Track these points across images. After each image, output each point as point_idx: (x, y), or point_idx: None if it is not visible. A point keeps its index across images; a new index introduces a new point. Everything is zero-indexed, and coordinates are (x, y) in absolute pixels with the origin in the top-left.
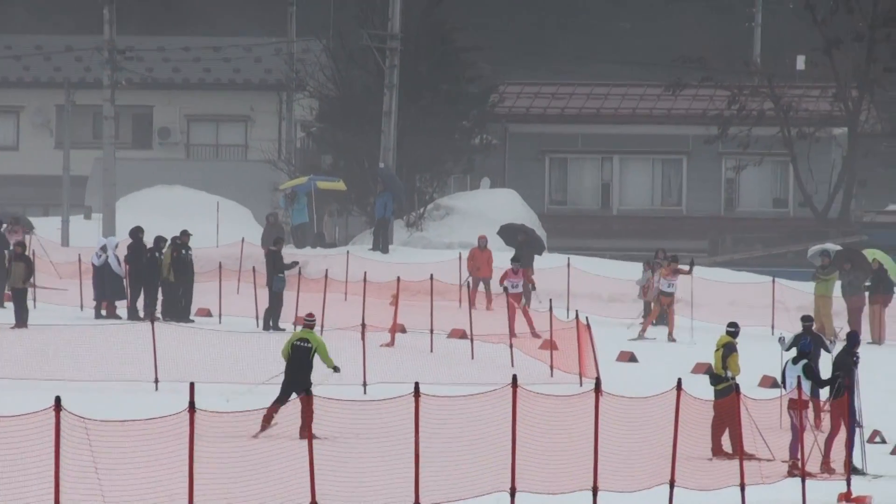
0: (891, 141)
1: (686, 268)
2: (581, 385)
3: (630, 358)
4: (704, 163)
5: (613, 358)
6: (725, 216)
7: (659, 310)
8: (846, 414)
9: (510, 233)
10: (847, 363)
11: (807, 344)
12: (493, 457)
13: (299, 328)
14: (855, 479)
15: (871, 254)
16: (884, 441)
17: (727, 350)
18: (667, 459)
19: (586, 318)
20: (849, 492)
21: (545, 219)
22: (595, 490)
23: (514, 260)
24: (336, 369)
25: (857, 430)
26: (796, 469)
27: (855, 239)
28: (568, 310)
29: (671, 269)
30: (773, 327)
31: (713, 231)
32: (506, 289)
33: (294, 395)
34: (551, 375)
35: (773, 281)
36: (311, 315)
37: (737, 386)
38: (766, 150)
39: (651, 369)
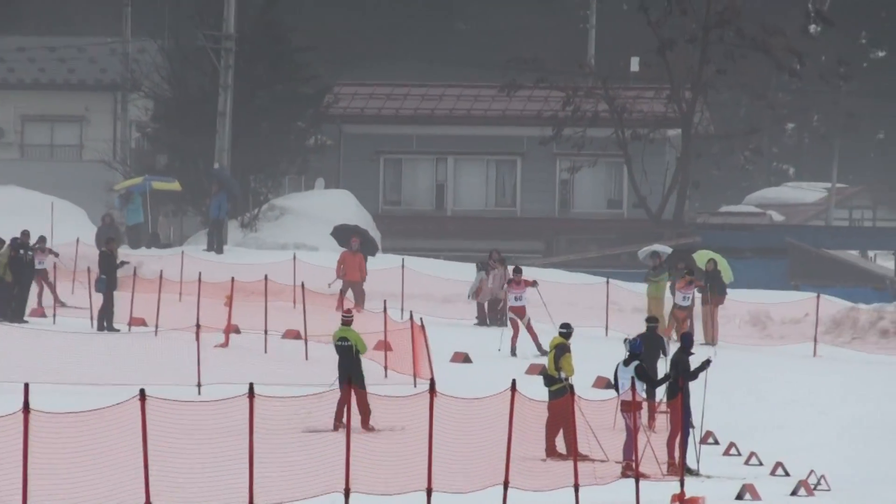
0: (724, 143)
1: (701, 282)
2: (415, 386)
3: (464, 359)
4: (539, 164)
5: (447, 359)
6: (560, 217)
7: (674, 324)
8: (680, 414)
9: (344, 233)
10: (684, 364)
11: (637, 345)
12: (328, 457)
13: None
14: (688, 479)
15: (705, 255)
16: (717, 442)
17: (560, 351)
18: (501, 460)
19: (420, 318)
20: (682, 492)
21: (379, 219)
22: (429, 491)
23: (516, 271)
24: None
25: (691, 430)
26: (630, 470)
27: (689, 240)
28: (402, 310)
29: (685, 282)
30: (607, 328)
31: (547, 232)
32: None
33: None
34: (385, 376)
35: (608, 282)
36: (348, 311)
37: (571, 387)
38: (600, 151)
39: (485, 370)
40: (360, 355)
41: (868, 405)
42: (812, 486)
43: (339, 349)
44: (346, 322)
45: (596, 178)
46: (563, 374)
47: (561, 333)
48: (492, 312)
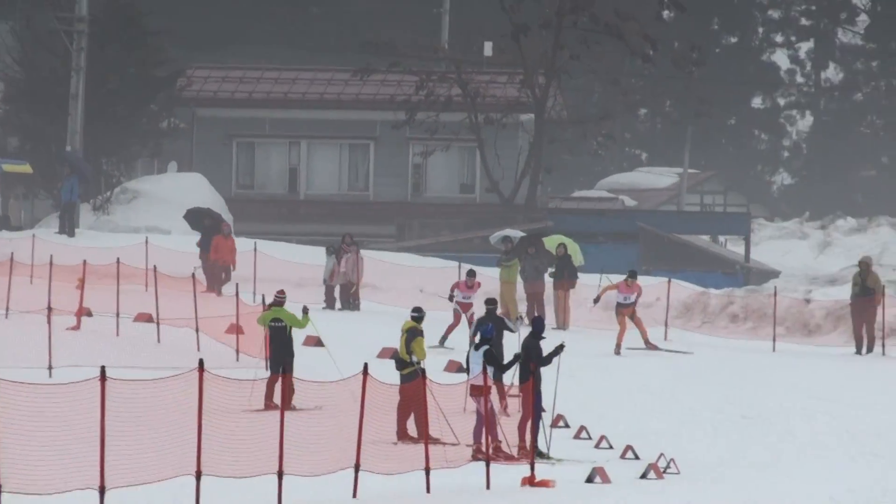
0: (577, 128)
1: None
2: (267, 370)
3: (316, 342)
4: (392, 148)
5: (300, 342)
6: (413, 201)
7: (625, 323)
8: (531, 398)
9: (196, 217)
10: (535, 349)
11: (488, 330)
12: (179, 441)
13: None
14: (539, 462)
15: (556, 239)
16: (567, 425)
17: (411, 335)
18: (352, 443)
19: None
20: (532, 476)
21: (232, 203)
22: (280, 473)
23: (469, 275)
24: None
25: (542, 414)
26: (480, 453)
27: (541, 225)
28: (254, 294)
29: (626, 284)
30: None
31: (400, 216)
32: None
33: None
34: (237, 360)
35: (459, 266)
36: (281, 292)
37: (422, 370)
38: (453, 135)
39: (337, 353)
40: (293, 332)
41: (717, 389)
42: (662, 470)
43: (272, 330)
44: (279, 303)
45: (449, 162)
46: (414, 358)
47: (413, 317)
48: (344, 296)
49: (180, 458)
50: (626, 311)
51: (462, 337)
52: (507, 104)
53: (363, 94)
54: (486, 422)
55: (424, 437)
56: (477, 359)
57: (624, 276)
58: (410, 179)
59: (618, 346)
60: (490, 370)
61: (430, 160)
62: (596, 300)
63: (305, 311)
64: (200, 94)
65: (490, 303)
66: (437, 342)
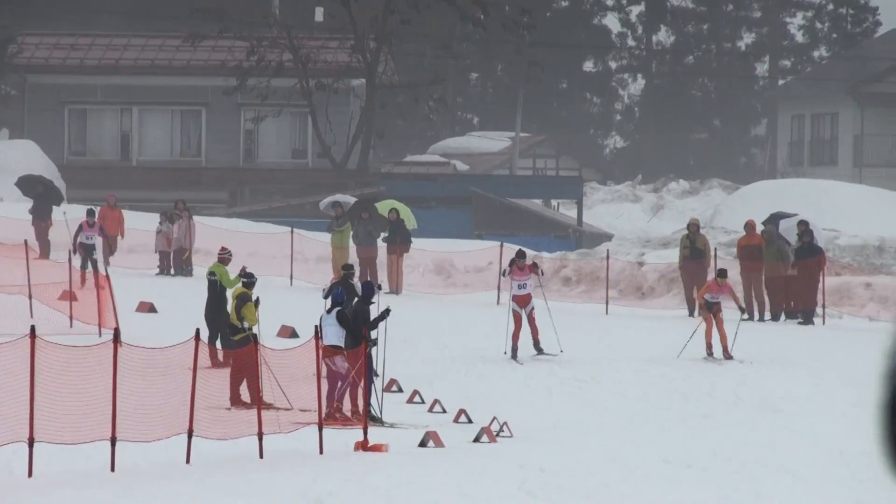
0: (408, 93)
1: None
2: (100, 336)
3: (150, 308)
4: (224, 114)
5: (133, 308)
6: (245, 167)
7: (711, 320)
8: (364, 363)
9: (28, 184)
10: (364, 313)
11: (339, 294)
12: (12, 407)
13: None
14: (372, 427)
15: (388, 204)
16: (400, 390)
17: (241, 301)
18: (185, 409)
19: (106, 268)
20: (365, 440)
21: (65, 170)
22: (113, 440)
23: (519, 256)
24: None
25: (374, 378)
26: (339, 413)
27: (373, 190)
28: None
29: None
30: (291, 278)
31: (232, 182)
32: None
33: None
34: (70, 326)
35: (292, 231)
36: (224, 249)
37: (254, 336)
38: (284, 101)
39: (170, 319)
40: (226, 291)
41: (550, 352)
42: (495, 433)
43: (208, 282)
44: (221, 260)
45: (280, 128)
46: (245, 324)
47: (243, 283)
48: (177, 262)
49: (13, 426)
50: (714, 308)
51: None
52: (338, 69)
53: (194, 60)
54: (331, 385)
55: (257, 403)
56: (329, 322)
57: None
58: (242, 145)
59: (708, 346)
60: (340, 333)
61: (261, 126)
62: (693, 311)
63: (257, 303)
64: (32, 60)
65: (347, 268)
66: (508, 354)
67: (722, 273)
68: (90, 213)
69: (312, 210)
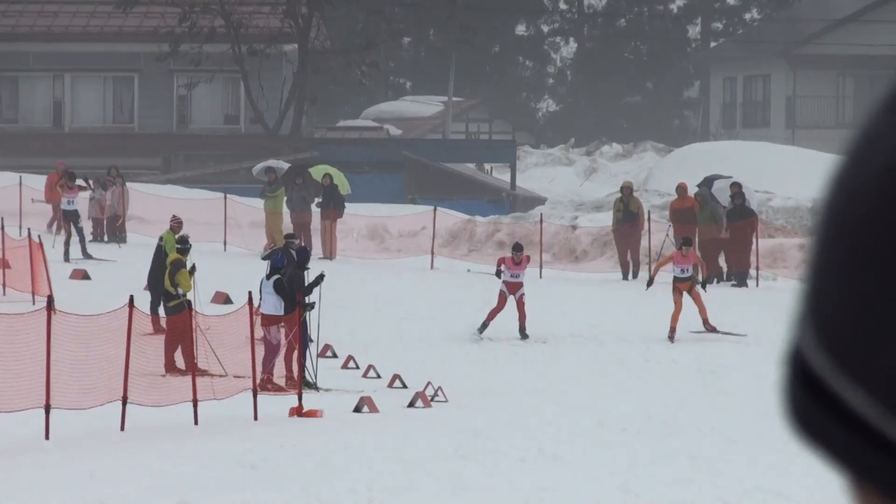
0: (341, 57)
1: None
2: (34, 303)
3: (83, 276)
4: (156, 80)
5: (67, 275)
6: (178, 133)
7: (681, 302)
8: (298, 329)
9: None
10: (299, 279)
11: (279, 259)
12: None
13: None
14: (306, 392)
15: (321, 170)
16: (335, 355)
17: (175, 267)
18: (120, 376)
19: (38, 235)
20: (300, 406)
21: None
22: (47, 408)
23: (516, 249)
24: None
25: (309, 344)
26: (270, 384)
27: (306, 155)
28: (20, 228)
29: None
30: (225, 243)
31: (166, 148)
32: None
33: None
34: (3, 294)
35: (225, 197)
36: (174, 217)
37: (188, 302)
38: (217, 67)
39: (104, 287)
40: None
41: (484, 316)
42: (430, 398)
43: (156, 248)
44: (171, 228)
45: (213, 94)
46: (180, 290)
47: (178, 249)
48: (110, 229)
49: None
50: (682, 286)
51: (507, 321)
52: (270, 35)
53: (127, 27)
54: (267, 352)
55: (191, 369)
56: (268, 288)
57: (678, 245)
58: (175, 112)
59: (672, 329)
60: (279, 304)
61: (194, 92)
62: (649, 283)
63: (193, 270)
64: None
65: (289, 237)
66: (476, 331)
67: (687, 242)
68: (70, 176)
69: (246, 176)
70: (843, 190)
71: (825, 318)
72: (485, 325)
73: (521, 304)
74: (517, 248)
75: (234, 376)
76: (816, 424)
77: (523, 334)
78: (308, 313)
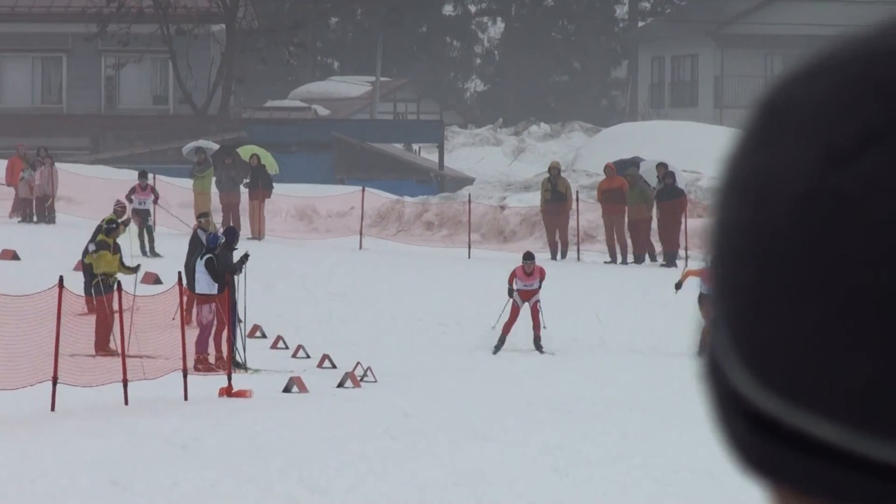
0: (268, 37)
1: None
2: None
3: (13, 256)
4: (84, 60)
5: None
6: (106, 113)
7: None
8: (227, 309)
9: None
10: (226, 259)
11: (213, 238)
12: None
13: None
14: (236, 373)
15: (249, 150)
16: (264, 335)
17: (98, 246)
18: (50, 356)
19: None
20: (229, 386)
21: None
22: None
23: (527, 258)
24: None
25: (238, 324)
26: (201, 364)
27: (234, 135)
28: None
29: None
30: (154, 223)
31: (94, 129)
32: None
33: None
34: None
35: (154, 177)
36: (118, 202)
37: (116, 283)
38: (145, 47)
39: (35, 266)
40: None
41: (414, 297)
42: (359, 378)
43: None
44: (114, 212)
45: (142, 74)
46: (99, 271)
47: (104, 230)
48: (39, 209)
49: None
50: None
51: (523, 332)
52: (198, 15)
53: (55, 7)
54: (201, 333)
55: (121, 350)
56: (201, 268)
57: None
58: (103, 92)
59: (501, 339)
60: (207, 279)
61: (122, 72)
62: (678, 286)
63: (136, 268)
64: None
65: (203, 216)
66: (492, 351)
67: (528, 256)
68: (142, 175)
69: (175, 156)
70: (751, 224)
71: (764, 359)
72: (501, 342)
73: (535, 312)
74: (528, 256)
75: (165, 358)
76: (773, 461)
77: (538, 345)
78: (236, 294)
